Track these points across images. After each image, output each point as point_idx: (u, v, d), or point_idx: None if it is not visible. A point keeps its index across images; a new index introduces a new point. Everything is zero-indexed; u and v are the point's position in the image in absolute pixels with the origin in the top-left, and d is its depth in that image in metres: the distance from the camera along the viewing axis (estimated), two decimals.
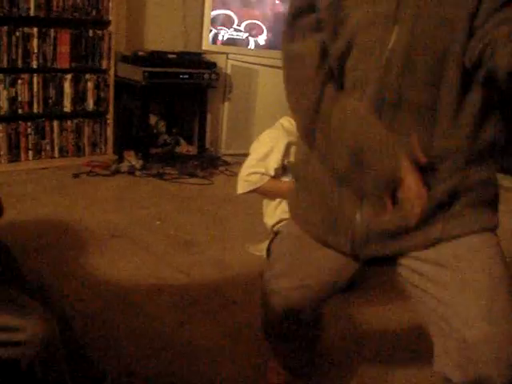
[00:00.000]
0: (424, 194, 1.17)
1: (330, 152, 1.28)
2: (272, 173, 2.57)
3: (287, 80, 1.35)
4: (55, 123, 4.09)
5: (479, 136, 1.25)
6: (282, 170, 2.63)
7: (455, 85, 1.20)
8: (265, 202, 2.73)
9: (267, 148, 2.60)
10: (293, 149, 2.65)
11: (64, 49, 3.98)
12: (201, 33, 4.47)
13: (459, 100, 1.21)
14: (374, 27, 1.20)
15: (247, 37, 4.54)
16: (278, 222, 2.68)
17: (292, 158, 2.65)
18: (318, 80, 1.26)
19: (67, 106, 4.10)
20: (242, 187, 2.61)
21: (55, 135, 4.10)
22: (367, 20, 1.20)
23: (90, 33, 4.07)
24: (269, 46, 4.57)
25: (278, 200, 2.65)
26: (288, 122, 2.70)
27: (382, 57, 1.20)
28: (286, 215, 2.63)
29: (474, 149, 1.25)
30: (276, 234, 2.70)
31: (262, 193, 2.62)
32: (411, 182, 1.17)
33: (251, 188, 2.57)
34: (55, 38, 3.92)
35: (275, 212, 2.68)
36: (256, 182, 2.57)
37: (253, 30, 4.54)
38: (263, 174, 2.58)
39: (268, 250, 2.72)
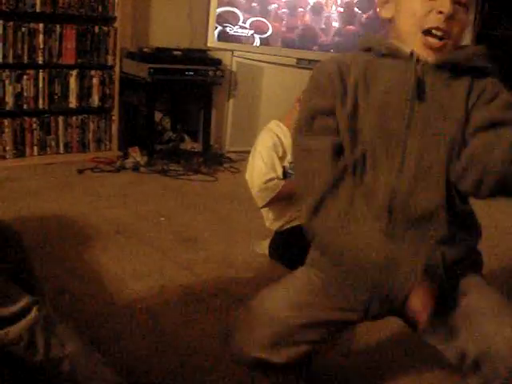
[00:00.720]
0: (430, 306, 1.21)
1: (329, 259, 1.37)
2: (281, 176, 2.56)
3: (297, 172, 1.41)
4: (60, 119, 4.09)
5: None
6: (283, 173, 2.62)
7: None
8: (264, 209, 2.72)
9: (271, 154, 2.60)
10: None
11: (70, 45, 3.98)
12: (206, 30, 4.46)
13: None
14: (387, 143, 1.27)
15: (252, 34, 4.53)
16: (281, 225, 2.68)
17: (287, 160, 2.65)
18: (328, 173, 1.29)
19: (72, 102, 4.11)
20: (262, 199, 2.58)
21: (60, 131, 4.11)
22: (380, 135, 1.27)
23: (96, 29, 4.07)
24: (274, 43, 4.57)
25: (279, 209, 2.64)
26: (276, 126, 2.69)
27: (393, 170, 1.27)
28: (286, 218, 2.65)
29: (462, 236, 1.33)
30: (276, 233, 2.70)
31: (282, 197, 2.57)
32: (418, 299, 1.20)
33: (272, 196, 2.54)
34: (61, 34, 3.93)
35: (276, 222, 2.67)
36: (274, 188, 2.54)
37: (258, 28, 4.53)
38: (277, 178, 2.56)
39: (270, 248, 2.72)
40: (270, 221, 2.72)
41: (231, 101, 4.63)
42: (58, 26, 3.90)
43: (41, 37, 3.85)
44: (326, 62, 1.36)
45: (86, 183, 3.69)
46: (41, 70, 3.91)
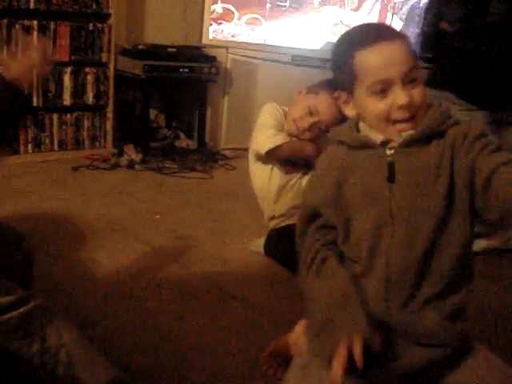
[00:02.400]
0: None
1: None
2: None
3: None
4: (55, 116, 4.09)
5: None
6: None
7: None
8: (260, 200, 2.73)
9: (277, 119, 2.62)
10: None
11: (64, 42, 3.97)
12: (201, 27, 4.46)
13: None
14: (378, 230, 1.29)
15: (247, 31, 4.53)
16: (275, 217, 2.68)
17: None
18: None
19: (67, 99, 4.09)
20: (266, 144, 2.57)
21: (55, 128, 4.10)
22: (371, 224, 1.29)
23: (90, 26, 4.06)
24: (269, 40, 4.57)
25: (274, 194, 2.65)
26: (273, 107, 2.69)
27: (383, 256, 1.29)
28: (283, 210, 2.65)
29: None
30: (271, 231, 2.70)
31: (284, 152, 2.59)
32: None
33: (277, 143, 2.55)
34: (55, 31, 3.92)
35: (274, 206, 2.68)
36: (281, 139, 2.57)
37: (253, 25, 4.53)
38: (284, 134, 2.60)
39: (265, 246, 2.72)
40: (267, 218, 2.72)
41: (226, 98, 4.63)
42: (52, 23, 3.89)
43: (35, 34, 3.84)
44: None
45: (81, 181, 3.68)
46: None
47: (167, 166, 4.12)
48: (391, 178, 1.28)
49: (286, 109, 2.66)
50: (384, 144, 1.31)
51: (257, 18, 4.52)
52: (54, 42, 3.93)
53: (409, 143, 1.28)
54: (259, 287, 2.43)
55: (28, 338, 1.34)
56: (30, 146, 4.02)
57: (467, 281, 1.31)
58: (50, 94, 4.01)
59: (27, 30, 3.79)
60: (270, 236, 2.69)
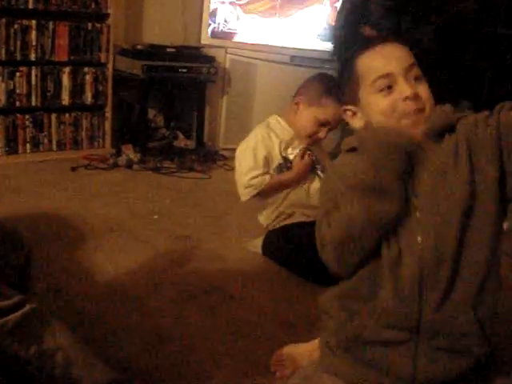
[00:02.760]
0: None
1: None
2: (272, 171, 2.60)
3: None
4: (53, 116, 4.08)
5: None
6: (278, 168, 2.64)
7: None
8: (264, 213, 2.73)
9: (258, 149, 2.62)
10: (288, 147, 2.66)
11: (62, 41, 3.97)
12: (200, 27, 4.46)
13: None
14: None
15: (246, 31, 4.53)
16: (272, 221, 2.69)
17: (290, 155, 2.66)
18: None
19: (65, 99, 4.09)
20: (245, 194, 2.62)
21: (53, 128, 4.10)
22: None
23: (89, 26, 4.06)
24: (268, 40, 4.57)
25: (275, 206, 2.66)
26: (276, 121, 2.71)
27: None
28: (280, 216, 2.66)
29: None
30: (269, 231, 2.70)
31: (267, 192, 2.62)
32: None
33: (255, 192, 2.59)
34: (54, 31, 3.91)
35: (271, 215, 2.68)
36: (259, 184, 2.59)
37: (252, 25, 4.52)
38: (262, 174, 2.60)
39: (263, 246, 2.72)
40: (264, 218, 2.73)
41: (225, 98, 4.62)
42: (50, 23, 3.88)
43: (33, 33, 3.83)
44: None
45: (79, 181, 3.68)
46: (33, 67, 3.90)
47: (166, 165, 4.12)
48: (408, 171, 1.28)
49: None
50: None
51: (256, 18, 4.51)
52: (53, 42, 3.93)
53: (429, 132, 1.31)
54: (257, 287, 2.43)
55: (25, 340, 1.34)
56: (28, 145, 4.02)
57: (498, 282, 1.28)
58: (48, 94, 4.01)
59: (26, 29, 3.79)
60: (268, 236, 2.69)
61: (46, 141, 4.08)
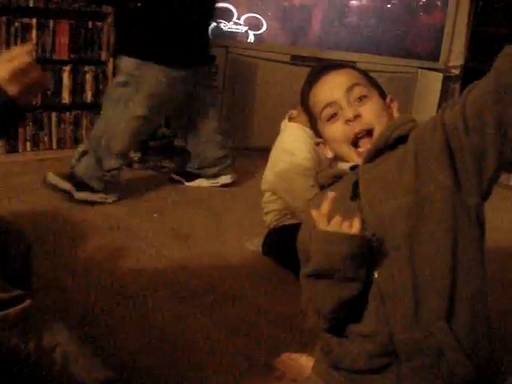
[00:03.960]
0: None
1: None
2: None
3: None
4: (53, 115, 4.08)
5: None
6: None
7: None
8: (265, 203, 2.71)
9: (309, 168, 2.49)
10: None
11: (63, 40, 3.97)
12: None
13: None
14: None
15: (247, 30, 4.53)
16: (276, 221, 2.67)
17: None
18: None
19: (65, 98, 4.09)
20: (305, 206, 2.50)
21: (53, 127, 4.10)
22: None
23: (90, 24, 4.06)
24: (268, 39, 4.57)
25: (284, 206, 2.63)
26: (302, 130, 2.55)
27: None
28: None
29: None
30: (270, 230, 2.69)
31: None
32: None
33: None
34: (54, 29, 3.91)
35: (278, 215, 2.66)
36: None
37: (252, 24, 4.53)
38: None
39: (263, 245, 2.72)
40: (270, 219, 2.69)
41: (225, 97, 4.62)
42: (51, 21, 3.89)
43: (34, 32, 3.83)
44: None
45: None
46: None
47: (165, 165, 4.12)
48: (354, 196, 1.29)
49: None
50: (353, 168, 1.35)
51: (256, 18, 4.52)
52: (53, 40, 3.93)
53: (370, 158, 1.31)
54: (257, 286, 2.43)
55: (25, 335, 1.34)
56: (28, 144, 4.01)
57: (473, 284, 1.20)
58: (48, 92, 4.00)
59: (26, 28, 3.79)
60: (269, 235, 2.69)
61: (46, 139, 4.08)
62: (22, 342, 1.33)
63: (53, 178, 3.15)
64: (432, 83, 4.88)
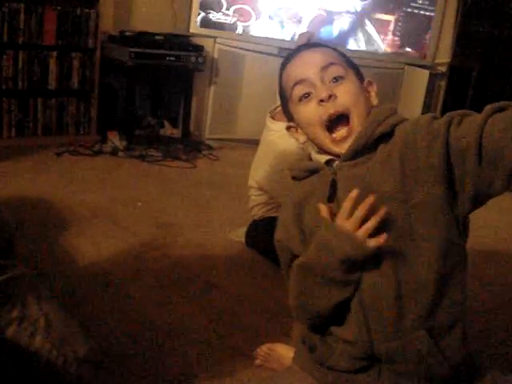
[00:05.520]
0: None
1: None
2: None
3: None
4: (39, 101, 4.06)
5: None
6: None
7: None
8: (252, 196, 2.71)
9: None
10: None
11: (50, 26, 3.94)
12: (189, 15, 4.45)
13: None
14: None
15: (235, 21, 4.53)
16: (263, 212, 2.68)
17: None
18: None
19: (52, 84, 4.07)
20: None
21: (39, 113, 4.08)
22: None
23: (78, 11, 4.03)
24: (256, 31, 4.57)
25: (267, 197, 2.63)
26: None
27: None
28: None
29: None
30: (254, 221, 2.71)
31: None
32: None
33: None
34: (42, 15, 3.89)
35: (264, 207, 2.67)
36: None
37: (241, 15, 4.52)
38: None
39: (246, 236, 2.73)
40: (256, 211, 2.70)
41: (212, 88, 4.62)
42: (39, 7, 3.86)
43: (21, 17, 3.81)
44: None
45: (64, 166, 3.67)
46: (20, 51, 3.87)
47: (151, 154, 4.12)
48: (331, 198, 1.22)
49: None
50: (329, 163, 1.26)
51: (245, 9, 4.52)
52: (41, 26, 3.90)
53: (351, 157, 1.22)
54: (240, 277, 2.44)
55: (8, 303, 1.35)
56: (13, 130, 3.99)
57: (458, 293, 1.19)
58: (34, 78, 3.98)
59: (14, 12, 3.76)
60: (252, 226, 2.71)
61: (31, 125, 4.06)
62: (3, 311, 1.34)
63: None
64: (418, 80, 4.92)
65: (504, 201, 4.02)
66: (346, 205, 1.12)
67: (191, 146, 4.36)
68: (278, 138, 2.56)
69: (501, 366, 1.67)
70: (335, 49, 1.31)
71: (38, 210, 2.90)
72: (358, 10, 4.77)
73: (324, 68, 1.23)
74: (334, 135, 1.23)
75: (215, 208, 3.23)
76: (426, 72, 4.88)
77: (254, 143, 2.74)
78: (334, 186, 1.22)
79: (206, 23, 4.47)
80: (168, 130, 4.58)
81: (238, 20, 4.52)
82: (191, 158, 4.16)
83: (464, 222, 1.19)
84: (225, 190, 3.50)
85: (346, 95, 1.22)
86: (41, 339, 1.38)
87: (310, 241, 1.22)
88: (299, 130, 1.31)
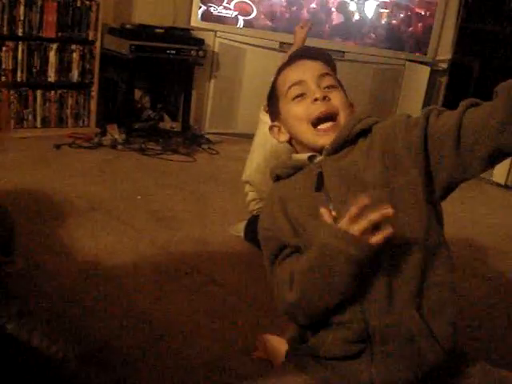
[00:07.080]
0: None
1: None
2: None
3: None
4: (38, 93, 4.05)
5: None
6: None
7: None
8: (247, 191, 2.71)
9: None
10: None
11: (50, 17, 3.93)
12: (190, 9, 4.43)
13: None
14: None
15: (236, 15, 4.52)
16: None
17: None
18: None
19: (51, 76, 4.06)
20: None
21: (38, 105, 4.07)
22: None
23: (78, 3, 4.02)
24: (257, 25, 4.56)
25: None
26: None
27: None
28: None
29: None
30: (253, 216, 2.70)
31: None
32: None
33: None
34: (42, 6, 3.87)
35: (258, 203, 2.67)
36: None
37: (242, 9, 4.51)
38: None
39: (245, 230, 2.73)
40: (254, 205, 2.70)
41: (212, 82, 4.61)
42: None
43: (21, 8, 3.79)
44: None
45: (63, 159, 3.66)
46: (20, 42, 3.86)
47: (150, 147, 4.11)
48: (319, 187, 1.29)
49: None
50: (311, 158, 1.35)
51: (246, 3, 4.51)
52: (41, 18, 3.89)
53: (334, 150, 1.32)
54: (238, 271, 2.44)
55: (8, 299, 1.35)
56: (12, 121, 3.98)
57: (444, 273, 1.25)
58: (34, 70, 3.97)
59: (14, 4, 3.75)
60: (251, 221, 2.70)
61: (30, 117, 4.05)
62: (2, 306, 1.33)
63: None
64: (419, 76, 4.91)
65: (504, 200, 4.03)
66: (354, 210, 1.16)
67: (191, 140, 4.35)
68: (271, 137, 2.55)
69: (495, 359, 1.66)
70: (333, 64, 1.46)
71: (36, 202, 2.89)
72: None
73: (321, 76, 1.37)
74: (319, 127, 1.34)
75: (214, 202, 3.22)
76: (427, 68, 4.88)
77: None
78: (320, 176, 1.30)
79: (207, 17, 4.45)
80: (168, 124, 4.57)
81: (238, 14, 4.51)
82: (191, 152, 4.15)
83: (438, 206, 1.28)
84: (224, 184, 3.49)
85: (337, 99, 1.36)
86: (40, 335, 1.37)
87: (304, 235, 1.28)
88: (282, 130, 1.42)
